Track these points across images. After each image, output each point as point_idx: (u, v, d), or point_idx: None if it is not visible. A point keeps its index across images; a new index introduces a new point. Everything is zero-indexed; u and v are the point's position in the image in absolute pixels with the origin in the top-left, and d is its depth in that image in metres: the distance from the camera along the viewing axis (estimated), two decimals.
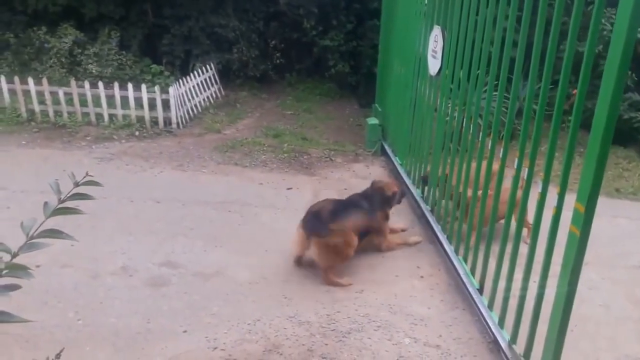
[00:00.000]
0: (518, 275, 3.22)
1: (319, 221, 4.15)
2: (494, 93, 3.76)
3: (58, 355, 1.56)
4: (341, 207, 4.34)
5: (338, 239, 4.11)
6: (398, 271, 4.39)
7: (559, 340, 2.75)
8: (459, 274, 4.15)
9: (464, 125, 4.25)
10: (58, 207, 1.34)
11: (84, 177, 1.43)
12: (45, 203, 1.37)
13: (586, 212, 2.49)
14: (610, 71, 2.31)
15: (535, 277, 3.00)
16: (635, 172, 7.11)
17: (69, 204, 1.38)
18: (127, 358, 3.28)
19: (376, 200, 4.57)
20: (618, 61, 2.26)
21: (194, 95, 8.64)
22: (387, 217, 4.64)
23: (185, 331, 3.56)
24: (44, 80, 7.86)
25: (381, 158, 7.22)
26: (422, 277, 4.34)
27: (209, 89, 9.23)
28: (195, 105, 8.63)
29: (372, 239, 4.57)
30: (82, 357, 3.26)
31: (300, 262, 4.36)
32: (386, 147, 7.12)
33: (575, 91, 2.63)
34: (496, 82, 3.64)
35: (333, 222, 4.13)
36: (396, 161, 6.54)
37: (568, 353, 2.84)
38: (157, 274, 4.22)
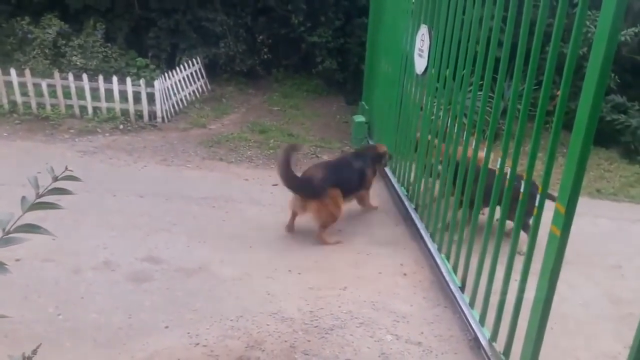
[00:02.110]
0: (499, 273, 3.25)
1: (314, 184, 4.63)
2: (479, 93, 3.79)
3: (34, 351, 1.53)
4: (333, 170, 4.86)
5: (331, 200, 4.65)
6: (382, 268, 4.41)
7: (538, 338, 2.78)
8: (441, 272, 4.18)
9: (448, 124, 4.27)
10: (35, 202, 1.32)
11: (63, 171, 1.40)
12: (23, 198, 1.34)
13: (566, 212, 2.52)
14: (592, 73, 2.33)
15: (516, 276, 3.03)
16: (617, 173, 7.22)
17: (49, 198, 1.35)
18: (108, 354, 3.25)
19: (368, 158, 5.19)
20: (600, 63, 2.28)
21: (180, 89, 8.57)
22: (374, 174, 5.28)
23: (167, 327, 3.53)
24: (27, 71, 7.73)
25: None
26: (405, 274, 4.36)
27: (195, 83, 9.16)
28: (181, 100, 8.56)
29: (360, 195, 5.18)
30: (63, 352, 3.22)
31: (291, 228, 4.85)
32: None
33: (558, 92, 2.65)
34: (481, 82, 3.67)
35: (327, 185, 4.64)
36: None
37: (547, 350, 2.88)
38: (140, 269, 4.18)
